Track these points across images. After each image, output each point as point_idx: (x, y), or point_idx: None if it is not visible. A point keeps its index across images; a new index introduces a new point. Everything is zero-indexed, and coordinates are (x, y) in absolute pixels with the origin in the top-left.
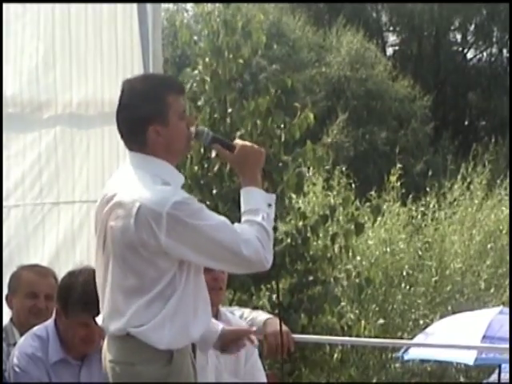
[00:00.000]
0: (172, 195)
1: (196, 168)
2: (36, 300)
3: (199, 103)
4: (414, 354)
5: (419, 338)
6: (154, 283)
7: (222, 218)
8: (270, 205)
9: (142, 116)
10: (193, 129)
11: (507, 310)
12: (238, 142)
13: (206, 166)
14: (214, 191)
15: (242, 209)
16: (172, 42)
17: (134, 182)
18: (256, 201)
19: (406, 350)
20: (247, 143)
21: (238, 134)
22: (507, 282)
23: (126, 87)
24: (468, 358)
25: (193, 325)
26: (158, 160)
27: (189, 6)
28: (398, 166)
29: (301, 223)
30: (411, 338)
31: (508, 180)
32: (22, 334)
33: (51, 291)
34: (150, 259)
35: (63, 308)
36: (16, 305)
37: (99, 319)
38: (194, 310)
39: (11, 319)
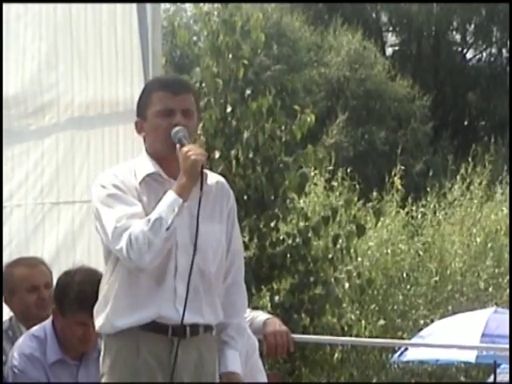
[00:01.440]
0: (102, 178)
1: None
2: (38, 292)
3: (201, 103)
4: (412, 355)
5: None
6: (105, 263)
7: (120, 210)
8: (173, 210)
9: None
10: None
11: (501, 309)
12: (186, 146)
13: (208, 166)
14: None
15: None
16: (171, 42)
17: None
18: (161, 203)
19: (402, 353)
20: (186, 148)
21: (246, 136)
22: (506, 281)
23: None
24: (469, 356)
25: (121, 317)
26: (143, 153)
27: (188, 6)
28: (400, 167)
29: (302, 224)
30: (411, 339)
31: (508, 180)
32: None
33: (48, 279)
34: (101, 240)
35: (60, 307)
36: (18, 303)
37: None
38: (127, 305)
39: (15, 317)
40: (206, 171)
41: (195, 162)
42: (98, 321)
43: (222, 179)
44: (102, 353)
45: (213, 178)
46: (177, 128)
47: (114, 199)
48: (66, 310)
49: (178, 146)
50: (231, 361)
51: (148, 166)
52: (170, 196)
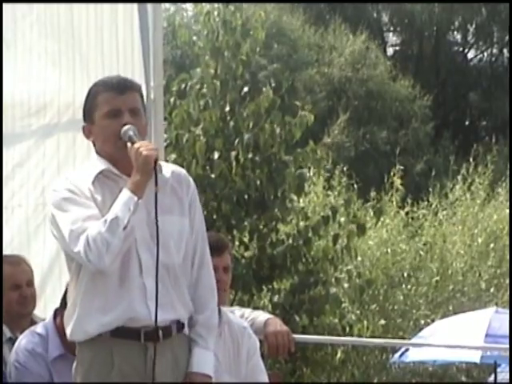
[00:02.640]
0: (56, 183)
1: (200, 169)
2: (20, 290)
3: (201, 102)
4: (413, 356)
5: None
6: (69, 270)
7: (75, 213)
8: (129, 209)
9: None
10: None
11: (502, 310)
12: (137, 143)
13: (208, 167)
14: (218, 192)
15: None
16: (170, 42)
17: None
18: (116, 203)
19: (403, 354)
20: (137, 145)
21: (246, 137)
22: (508, 281)
23: None
24: (473, 356)
25: (90, 321)
26: (92, 156)
27: (188, 5)
28: (399, 167)
29: (302, 224)
30: (411, 339)
31: (508, 180)
32: (12, 329)
33: (30, 277)
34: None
35: None
36: (1, 301)
37: None
38: (94, 307)
39: None
40: (161, 163)
41: (147, 157)
42: (68, 329)
43: (178, 169)
44: (75, 362)
45: (168, 168)
46: (126, 127)
47: (68, 203)
48: None
49: (128, 144)
50: (197, 361)
51: (98, 164)
52: (125, 194)
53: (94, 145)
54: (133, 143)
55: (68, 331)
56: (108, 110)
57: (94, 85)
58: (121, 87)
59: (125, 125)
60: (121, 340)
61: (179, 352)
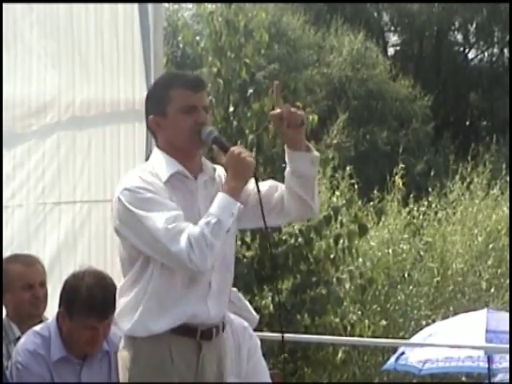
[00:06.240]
0: (128, 182)
1: None
2: (32, 290)
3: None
4: (413, 359)
5: (409, 349)
6: (127, 270)
7: (164, 213)
8: (232, 214)
9: (147, 107)
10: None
11: (493, 310)
12: (233, 147)
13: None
14: None
15: None
16: (169, 41)
17: None
18: (216, 206)
19: (399, 357)
20: (237, 150)
21: (250, 137)
22: (508, 281)
23: None
24: (477, 353)
25: (155, 319)
26: (158, 152)
27: (189, 5)
28: (401, 166)
29: (304, 224)
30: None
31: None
32: (21, 328)
33: (43, 278)
34: (123, 244)
35: (68, 311)
36: (12, 300)
37: None
38: (160, 306)
39: (6, 315)
40: (206, 161)
41: (251, 164)
42: (125, 324)
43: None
44: (125, 355)
45: (211, 167)
46: (209, 128)
47: (151, 203)
48: (74, 314)
49: (214, 146)
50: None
51: (170, 165)
52: (225, 199)
53: (156, 138)
54: (222, 146)
55: (125, 326)
56: (184, 105)
57: (165, 78)
58: (196, 85)
59: (201, 123)
60: (179, 337)
61: (222, 352)
